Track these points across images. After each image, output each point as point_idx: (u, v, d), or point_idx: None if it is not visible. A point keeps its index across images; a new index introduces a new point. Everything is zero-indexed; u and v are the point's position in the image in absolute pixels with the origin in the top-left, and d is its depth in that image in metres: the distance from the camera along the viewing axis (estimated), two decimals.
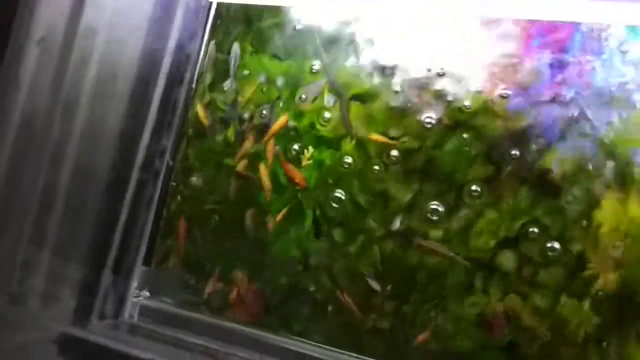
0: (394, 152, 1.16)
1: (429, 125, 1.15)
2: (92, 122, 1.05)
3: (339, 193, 1.21)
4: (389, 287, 1.14)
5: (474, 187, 1.10)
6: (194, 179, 1.29)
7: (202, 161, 1.33)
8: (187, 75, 1.12)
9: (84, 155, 1.06)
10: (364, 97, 1.21)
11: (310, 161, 1.21)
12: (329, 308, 1.19)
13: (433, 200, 1.13)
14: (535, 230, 1.05)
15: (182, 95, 1.11)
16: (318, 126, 1.24)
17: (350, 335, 1.16)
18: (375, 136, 1.18)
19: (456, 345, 1.08)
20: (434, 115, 1.15)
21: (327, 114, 1.23)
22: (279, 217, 1.22)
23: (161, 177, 1.11)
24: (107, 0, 1.04)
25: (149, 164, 1.08)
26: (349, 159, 1.20)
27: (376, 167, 1.18)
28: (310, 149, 1.22)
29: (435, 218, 1.11)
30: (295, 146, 1.25)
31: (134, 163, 1.07)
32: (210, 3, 1.32)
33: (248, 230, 1.26)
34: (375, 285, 1.12)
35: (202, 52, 1.33)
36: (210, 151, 1.33)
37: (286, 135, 1.27)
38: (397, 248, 1.14)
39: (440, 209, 1.11)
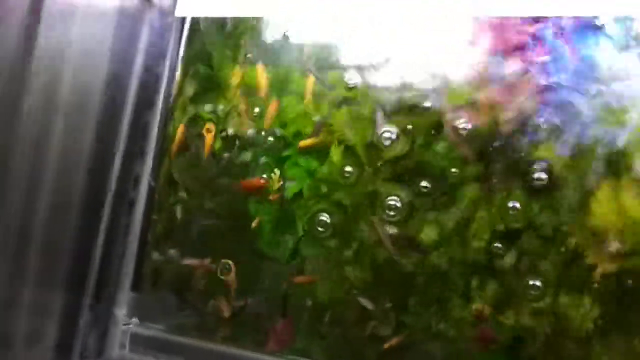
0: (348, 168, 1.14)
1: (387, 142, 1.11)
2: (59, 154, 1.01)
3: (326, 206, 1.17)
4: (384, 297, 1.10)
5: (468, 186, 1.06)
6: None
7: (189, 178, 1.30)
8: (159, 97, 1.07)
9: (56, 190, 1.02)
10: (348, 101, 1.17)
11: (281, 182, 1.18)
12: (326, 319, 1.14)
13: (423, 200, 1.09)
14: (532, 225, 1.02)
15: (154, 119, 1.07)
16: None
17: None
18: (304, 142, 1.17)
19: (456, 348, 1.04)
20: (393, 132, 1.11)
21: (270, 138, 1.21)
22: (255, 223, 1.18)
23: (137, 204, 1.06)
24: (63, 26, 0.99)
25: (122, 193, 1.05)
26: (348, 169, 1.16)
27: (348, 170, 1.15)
28: (277, 171, 1.18)
29: (392, 214, 1.09)
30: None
31: (106, 193, 1.03)
32: (184, 18, 1.28)
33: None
34: (368, 304, 1.08)
35: (178, 69, 1.29)
36: (195, 166, 1.30)
37: (273, 144, 1.23)
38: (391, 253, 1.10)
39: (398, 204, 1.09)
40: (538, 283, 1.00)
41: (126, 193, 1.06)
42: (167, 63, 1.13)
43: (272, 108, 1.21)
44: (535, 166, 1.02)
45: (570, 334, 0.97)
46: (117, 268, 1.08)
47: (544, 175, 1.02)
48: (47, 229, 1.03)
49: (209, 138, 1.22)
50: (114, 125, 1.04)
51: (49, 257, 1.03)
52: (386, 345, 1.07)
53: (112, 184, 1.05)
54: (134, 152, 1.06)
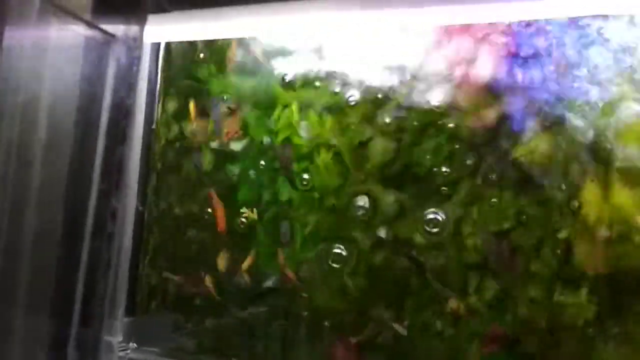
0: (306, 176, 1.17)
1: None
2: (38, 190, 1.03)
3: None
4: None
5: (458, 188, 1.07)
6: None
7: (180, 196, 1.31)
8: (132, 131, 1.08)
9: (37, 225, 1.04)
10: (332, 109, 1.19)
11: (243, 219, 1.21)
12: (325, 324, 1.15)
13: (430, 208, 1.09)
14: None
15: (128, 152, 1.07)
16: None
17: None
18: None
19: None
20: None
21: None
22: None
23: (116, 238, 1.08)
24: (26, 64, 0.99)
25: (101, 226, 1.06)
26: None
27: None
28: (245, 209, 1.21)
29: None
30: None
31: (84, 227, 1.04)
32: (159, 43, 1.28)
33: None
34: (401, 330, 1.07)
35: (157, 91, 1.29)
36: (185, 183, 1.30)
37: (263, 152, 1.24)
38: (388, 257, 1.11)
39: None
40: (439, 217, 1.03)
41: (105, 226, 1.07)
42: (143, 93, 1.13)
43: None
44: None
45: None
46: (103, 295, 1.09)
47: None
48: (30, 263, 1.04)
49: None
50: (87, 162, 1.05)
51: (34, 288, 1.05)
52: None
53: (90, 218, 1.06)
54: (110, 187, 1.06)
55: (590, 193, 0.96)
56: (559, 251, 0.98)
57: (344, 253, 1.12)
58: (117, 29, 1.06)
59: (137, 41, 1.05)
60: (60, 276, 1.06)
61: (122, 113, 1.06)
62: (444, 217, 1.05)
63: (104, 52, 1.05)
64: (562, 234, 0.98)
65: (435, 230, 1.05)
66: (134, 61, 1.06)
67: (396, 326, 1.07)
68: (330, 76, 1.20)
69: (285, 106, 1.23)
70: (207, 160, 1.29)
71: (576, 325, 0.96)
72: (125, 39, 1.05)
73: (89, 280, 1.07)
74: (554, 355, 0.98)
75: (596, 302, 0.96)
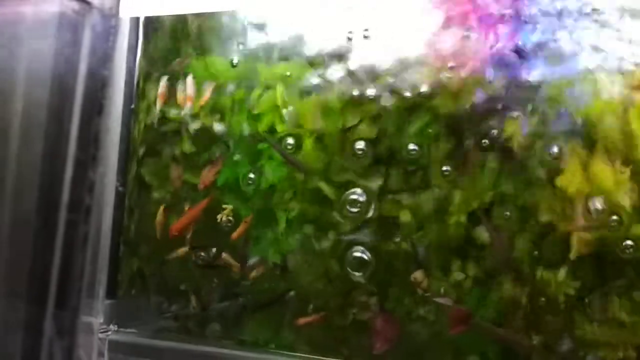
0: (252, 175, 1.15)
1: None
2: (14, 163, 1.01)
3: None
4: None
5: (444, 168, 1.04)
6: None
7: (160, 179, 1.28)
8: (109, 102, 1.06)
9: (10, 199, 1.02)
10: (315, 90, 1.15)
11: (230, 218, 1.17)
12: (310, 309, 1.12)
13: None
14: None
15: (105, 124, 1.05)
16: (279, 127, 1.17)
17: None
18: None
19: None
20: None
21: None
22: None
23: (93, 211, 1.05)
24: (9, 37, 0.98)
25: (77, 201, 1.03)
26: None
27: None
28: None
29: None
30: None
31: (60, 201, 1.02)
32: (138, 18, 1.26)
33: None
34: (446, 301, 1.02)
35: (136, 69, 1.27)
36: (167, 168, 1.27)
37: (246, 141, 1.20)
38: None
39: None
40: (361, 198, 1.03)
41: (81, 200, 1.04)
42: (122, 71, 1.11)
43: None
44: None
45: None
46: (80, 275, 1.06)
47: None
48: (2, 237, 1.02)
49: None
50: (62, 133, 1.03)
51: (6, 265, 1.02)
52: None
53: (66, 192, 1.03)
54: (87, 160, 1.04)
55: (572, 169, 0.95)
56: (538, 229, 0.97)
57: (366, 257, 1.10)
58: None
59: (114, 10, 1.03)
60: (35, 252, 1.03)
61: (98, 83, 1.04)
62: (365, 198, 1.04)
63: (79, 21, 1.03)
64: (544, 213, 0.96)
65: (355, 210, 1.04)
66: (110, 30, 1.04)
67: (440, 299, 1.02)
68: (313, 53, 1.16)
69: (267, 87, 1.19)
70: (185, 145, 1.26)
71: (558, 304, 0.95)
72: (101, 7, 1.03)
73: (65, 256, 1.04)
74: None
75: (578, 280, 0.94)
